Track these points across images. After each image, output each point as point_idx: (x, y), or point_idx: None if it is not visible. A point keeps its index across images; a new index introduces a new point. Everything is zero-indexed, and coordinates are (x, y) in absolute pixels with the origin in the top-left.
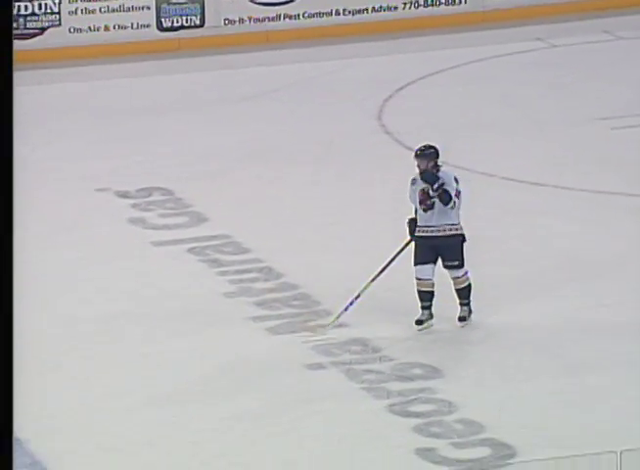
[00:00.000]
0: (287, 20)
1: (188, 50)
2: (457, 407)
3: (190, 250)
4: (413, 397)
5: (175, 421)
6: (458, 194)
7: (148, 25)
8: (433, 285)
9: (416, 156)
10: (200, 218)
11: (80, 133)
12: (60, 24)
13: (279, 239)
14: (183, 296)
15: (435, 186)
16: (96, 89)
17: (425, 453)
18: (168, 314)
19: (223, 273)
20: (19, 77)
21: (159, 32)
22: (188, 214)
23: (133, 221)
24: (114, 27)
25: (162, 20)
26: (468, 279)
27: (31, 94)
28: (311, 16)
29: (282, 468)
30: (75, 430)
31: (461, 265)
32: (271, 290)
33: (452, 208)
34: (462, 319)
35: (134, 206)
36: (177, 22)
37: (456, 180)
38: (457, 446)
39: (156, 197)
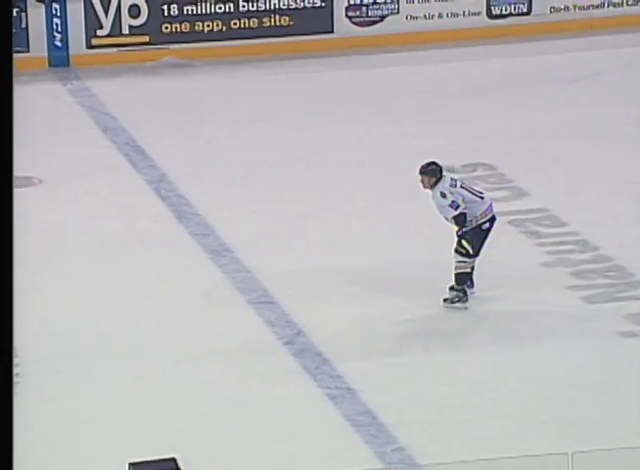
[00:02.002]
0: (610, 7)
1: (515, 36)
2: None
3: (510, 222)
4: None
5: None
6: (454, 205)
7: (478, 13)
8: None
9: (420, 173)
10: (520, 193)
11: (412, 113)
12: (398, 13)
13: (595, 213)
14: (504, 264)
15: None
16: (429, 72)
17: None
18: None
19: (541, 244)
20: (341, 62)
21: (488, 19)
22: (509, 189)
23: None
24: (447, 15)
25: (492, 8)
26: (457, 268)
27: (372, 76)
28: (634, 3)
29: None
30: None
31: (456, 252)
32: (587, 261)
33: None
34: (445, 300)
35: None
36: (506, 9)
37: (443, 195)
38: None
39: (480, 172)
